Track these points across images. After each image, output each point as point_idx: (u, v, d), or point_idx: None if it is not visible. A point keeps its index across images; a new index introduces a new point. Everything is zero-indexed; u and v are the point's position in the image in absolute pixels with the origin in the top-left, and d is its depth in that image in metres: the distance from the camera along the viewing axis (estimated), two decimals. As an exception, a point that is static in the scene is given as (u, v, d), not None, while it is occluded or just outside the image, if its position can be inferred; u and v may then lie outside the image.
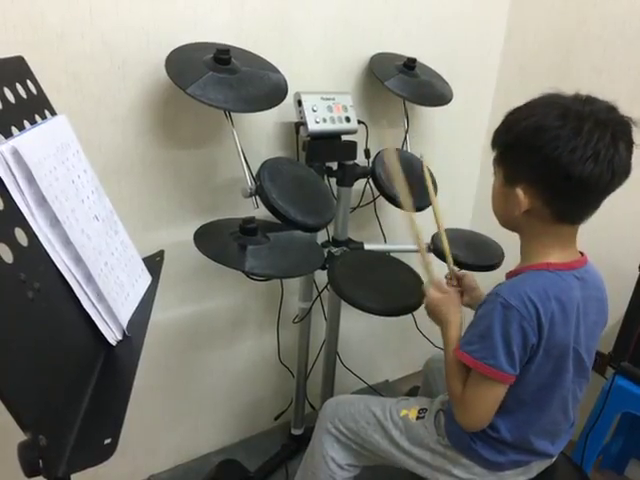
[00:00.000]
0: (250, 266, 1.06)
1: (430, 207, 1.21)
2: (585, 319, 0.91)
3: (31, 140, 0.65)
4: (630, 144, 0.84)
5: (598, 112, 0.82)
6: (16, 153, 0.60)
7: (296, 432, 1.68)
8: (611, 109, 0.84)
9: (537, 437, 0.96)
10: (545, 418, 0.95)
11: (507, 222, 0.94)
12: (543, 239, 0.90)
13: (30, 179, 0.62)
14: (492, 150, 0.93)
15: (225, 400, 1.63)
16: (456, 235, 1.49)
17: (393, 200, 1.39)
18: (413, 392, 1.81)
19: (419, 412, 1.08)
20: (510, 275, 0.94)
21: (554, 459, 1.04)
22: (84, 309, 0.68)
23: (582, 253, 0.94)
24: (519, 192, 0.86)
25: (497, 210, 0.96)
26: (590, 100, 0.84)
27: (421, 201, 1.41)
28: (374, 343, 1.92)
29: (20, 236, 0.60)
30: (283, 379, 1.69)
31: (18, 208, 0.61)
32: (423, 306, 1.06)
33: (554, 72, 1.66)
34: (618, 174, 0.82)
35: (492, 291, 0.89)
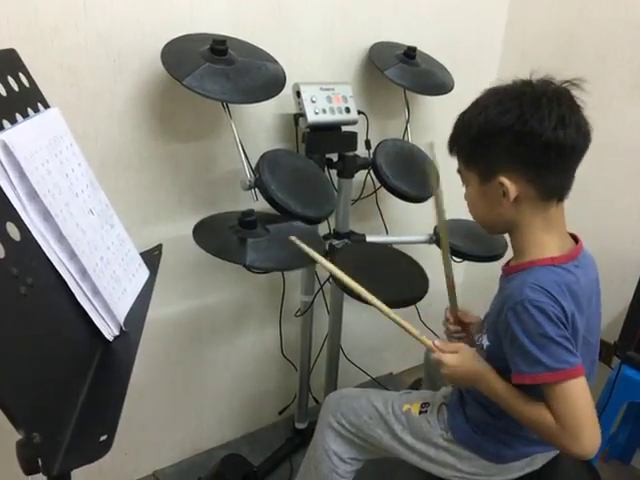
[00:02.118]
0: (251, 259, 1.05)
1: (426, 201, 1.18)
2: (589, 305, 0.89)
3: (21, 133, 0.64)
4: (578, 108, 0.85)
5: (549, 85, 0.85)
6: (5, 147, 0.59)
7: (300, 426, 1.67)
8: (548, 82, 0.85)
9: None
10: None
11: (496, 223, 0.92)
12: (536, 225, 0.87)
13: (21, 173, 0.61)
14: (452, 156, 0.92)
15: (228, 395, 1.63)
16: (459, 226, 1.47)
17: (395, 191, 1.37)
18: (417, 384, 1.80)
19: (422, 406, 1.06)
20: (509, 270, 0.91)
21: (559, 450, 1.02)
22: (80, 304, 0.67)
23: (576, 239, 0.92)
24: (504, 180, 0.84)
25: (481, 216, 0.93)
26: (527, 81, 0.86)
27: (423, 191, 1.40)
28: (377, 336, 1.91)
29: (12, 231, 0.58)
30: (286, 373, 1.68)
31: (10, 202, 0.60)
32: (444, 377, 0.94)
33: (556, 59, 1.63)
34: (585, 135, 0.83)
35: (513, 301, 0.83)
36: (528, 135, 0.81)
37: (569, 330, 0.81)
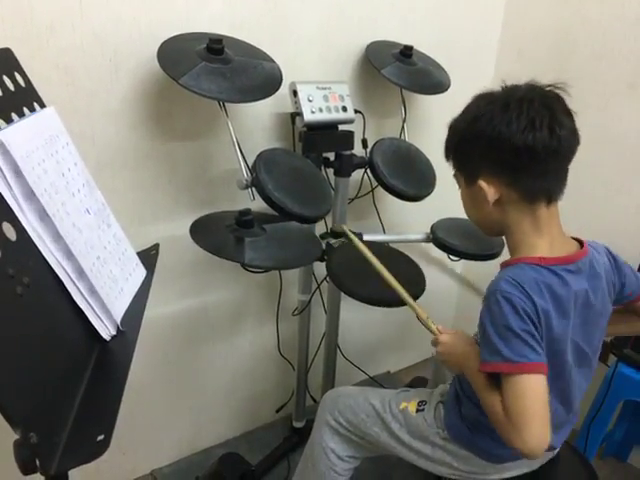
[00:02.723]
0: (249, 258, 1.05)
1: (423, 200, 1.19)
2: (585, 311, 0.89)
3: (18, 133, 0.64)
4: (566, 110, 0.85)
5: (518, 91, 0.86)
6: (2, 146, 0.59)
7: (297, 425, 1.67)
8: (532, 87, 0.86)
9: None
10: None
11: (487, 224, 0.94)
12: (525, 226, 0.88)
13: (17, 172, 0.61)
14: (447, 162, 0.95)
15: (226, 394, 1.63)
16: (455, 225, 1.48)
17: (392, 190, 1.37)
18: (414, 383, 1.81)
19: (419, 404, 1.06)
20: (501, 266, 0.92)
21: (557, 450, 1.02)
22: (76, 304, 0.67)
23: (582, 244, 0.92)
24: (482, 184, 0.87)
25: (472, 217, 0.96)
26: (512, 86, 0.88)
27: (420, 189, 1.41)
28: (375, 334, 1.91)
29: (8, 230, 0.58)
30: (284, 372, 1.68)
31: (5, 202, 0.60)
32: (437, 355, 0.98)
33: (553, 58, 1.64)
34: (564, 138, 0.83)
35: (489, 291, 0.85)
36: (497, 139, 0.83)
37: (539, 328, 0.82)
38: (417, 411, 1.06)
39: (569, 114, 0.85)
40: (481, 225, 0.96)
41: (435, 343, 0.98)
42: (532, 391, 0.79)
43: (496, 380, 0.83)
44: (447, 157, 0.94)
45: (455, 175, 0.95)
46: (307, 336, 1.57)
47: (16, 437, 0.51)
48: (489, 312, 0.83)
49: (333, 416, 1.13)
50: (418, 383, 1.76)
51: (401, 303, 1.19)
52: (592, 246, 0.93)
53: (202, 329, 1.49)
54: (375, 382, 1.88)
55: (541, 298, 0.82)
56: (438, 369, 1.36)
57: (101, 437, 0.54)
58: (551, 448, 0.99)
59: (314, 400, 1.73)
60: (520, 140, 0.81)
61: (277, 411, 1.75)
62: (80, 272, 0.67)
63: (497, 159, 0.85)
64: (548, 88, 0.86)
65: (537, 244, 0.87)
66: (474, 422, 0.97)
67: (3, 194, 0.59)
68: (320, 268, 1.40)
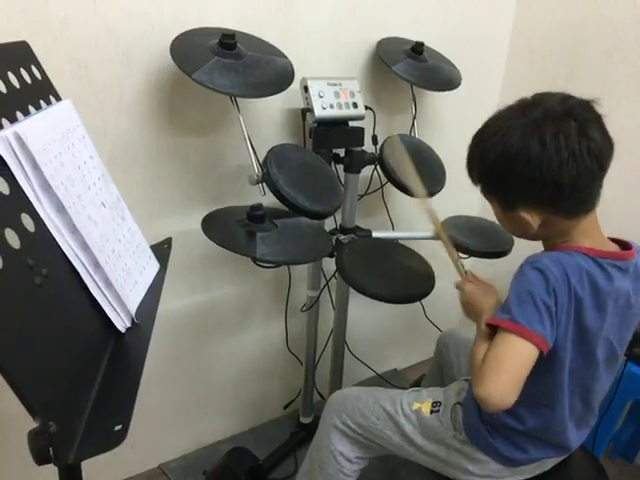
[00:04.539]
0: (261, 253, 1.05)
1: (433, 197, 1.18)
2: (625, 312, 0.88)
3: (35, 126, 0.64)
4: (598, 120, 0.82)
5: (551, 110, 0.81)
6: (19, 139, 0.59)
7: (305, 420, 1.68)
8: (564, 99, 0.83)
9: (562, 429, 0.93)
10: (568, 409, 0.91)
11: (528, 238, 0.93)
12: (568, 236, 0.88)
13: (34, 165, 0.61)
14: (470, 178, 0.92)
15: (234, 388, 1.63)
16: (465, 222, 1.48)
17: (401, 187, 1.37)
18: (421, 380, 1.80)
19: (433, 405, 1.04)
20: (550, 249, 0.91)
21: (569, 453, 1.02)
22: (92, 296, 0.67)
23: (630, 246, 0.91)
24: (524, 215, 0.85)
25: (513, 232, 0.95)
26: (538, 100, 0.84)
27: (430, 186, 1.40)
28: (383, 331, 1.91)
29: (27, 222, 0.59)
30: (291, 368, 1.69)
31: (24, 194, 0.60)
32: (459, 302, 0.99)
33: (564, 55, 1.63)
34: (603, 155, 0.81)
35: (527, 260, 0.85)
36: (538, 181, 0.80)
37: (561, 313, 0.81)
38: (431, 412, 1.03)
39: (599, 120, 0.83)
40: (521, 237, 0.95)
41: (459, 287, 0.99)
42: (515, 352, 0.79)
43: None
44: (472, 180, 0.91)
45: (483, 194, 0.92)
46: (315, 332, 1.58)
47: (16, 434, 0.51)
48: (521, 277, 0.83)
49: (341, 419, 1.10)
50: (424, 381, 1.76)
51: (411, 299, 1.19)
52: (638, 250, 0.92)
53: (211, 324, 1.49)
54: (382, 379, 1.88)
55: (579, 285, 0.81)
56: (438, 362, 1.37)
57: (119, 427, 0.54)
58: (566, 449, 0.98)
59: (321, 396, 1.73)
60: (564, 177, 0.79)
61: (284, 407, 1.75)
62: (96, 264, 0.68)
63: (539, 196, 0.83)
64: (571, 102, 0.82)
65: (581, 241, 0.87)
66: (493, 423, 0.95)
67: (22, 185, 0.60)
68: (329, 264, 1.40)
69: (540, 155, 0.79)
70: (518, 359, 0.78)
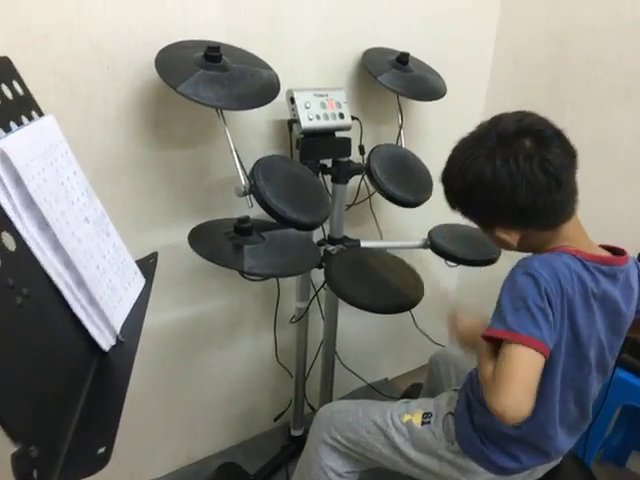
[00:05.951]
0: (249, 265, 1.04)
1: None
2: (614, 318, 0.89)
3: (18, 141, 0.63)
4: (556, 134, 0.83)
5: (504, 132, 0.83)
6: (3, 154, 0.58)
7: (296, 433, 1.66)
8: (519, 119, 0.84)
9: (553, 432, 0.93)
10: (561, 413, 0.92)
11: (514, 250, 0.94)
12: (552, 244, 0.89)
13: (18, 181, 0.60)
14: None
15: (223, 402, 1.62)
16: (453, 231, 1.48)
17: (389, 196, 1.37)
18: (412, 390, 1.80)
19: (424, 417, 1.03)
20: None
21: (560, 459, 1.02)
22: (76, 314, 0.66)
23: (622, 253, 0.92)
24: (500, 234, 0.89)
25: (497, 245, 0.96)
26: (494, 124, 0.86)
27: (417, 196, 1.41)
28: (373, 341, 1.91)
29: (7, 241, 0.58)
30: (281, 380, 1.67)
31: (4, 212, 0.59)
32: (456, 338, 1.00)
33: (548, 65, 1.64)
34: (562, 169, 0.82)
35: (518, 264, 0.86)
36: (501, 205, 0.83)
37: (556, 314, 0.81)
38: (423, 424, 1.02)
39: (557, 134, 0.83)
40: (507, 250, 0.96)
41: (451, 322, 1.00)
42: (521, 361, 0.78)
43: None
44: (446, 198, 0.94)
45: (462, 215, 0.95)
46: (305, 344, 1.57)
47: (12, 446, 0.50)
48: (512, 282, 0.84)
49: (330, 434, 1.09)
50: (416, 390, 1.76)
51: (400, 309, 1.18)
52: (631, 265, 0.93)
53: (199, 337, 1.48)
54: (373, 389, 1.87)
55: (569, 286, 0.82)
56: (432, 374, 1.36)
57: (102, 450, 0.53)
58: (558, 453, 0.98)
59: (312, 408, 1.72)
60: (522, 201, 0.81)
61: (275, 419, 1.74)
62: (79, 282, 0.67)
63: (506, 218, 0.86)
64: (525, 121, 0.83)
65: (568, 248, 0.88)
66: (486, 431, 0.95)
67: (2, 203, 0.59)
68: (318, 275, 1.40)
69: (494, 182, 0.82)
70: (524, 367, 0.78)
